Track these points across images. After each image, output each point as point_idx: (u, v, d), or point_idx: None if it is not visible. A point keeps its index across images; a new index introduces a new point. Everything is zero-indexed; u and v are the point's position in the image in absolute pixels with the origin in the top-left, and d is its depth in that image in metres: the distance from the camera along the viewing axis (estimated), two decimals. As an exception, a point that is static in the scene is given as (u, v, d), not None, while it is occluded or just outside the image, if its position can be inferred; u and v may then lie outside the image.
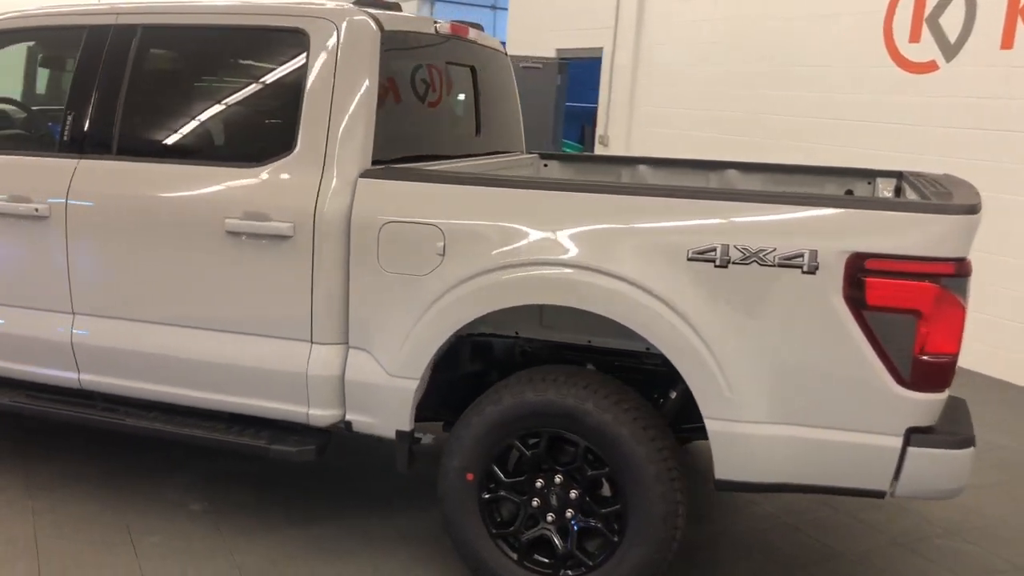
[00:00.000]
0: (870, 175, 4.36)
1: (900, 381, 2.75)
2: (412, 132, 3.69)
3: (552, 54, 11.80)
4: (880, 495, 2.87)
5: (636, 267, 2.91)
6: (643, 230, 2.94)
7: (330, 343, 3.30)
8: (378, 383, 3.25)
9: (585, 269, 2.95)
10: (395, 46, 3.48)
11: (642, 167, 4.76)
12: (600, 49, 10.91)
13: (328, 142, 3.26)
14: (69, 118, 3.60)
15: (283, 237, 3.25)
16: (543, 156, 4.93)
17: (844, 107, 7.56)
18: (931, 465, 2.82)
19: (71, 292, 3.60)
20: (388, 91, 3.45)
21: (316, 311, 3.27)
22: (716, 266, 2.84)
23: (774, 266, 2.79)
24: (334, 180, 3.23)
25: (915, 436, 2.79)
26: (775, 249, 2.79)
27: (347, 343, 3.30)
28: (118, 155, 3.54)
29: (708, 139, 9.12)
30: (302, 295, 3.27)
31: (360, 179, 3.22)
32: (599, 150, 11.09)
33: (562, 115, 11.99)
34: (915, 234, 2.71)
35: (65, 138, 3.61)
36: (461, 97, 4.16)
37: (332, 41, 3.30)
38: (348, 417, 3.34)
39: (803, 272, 2.77)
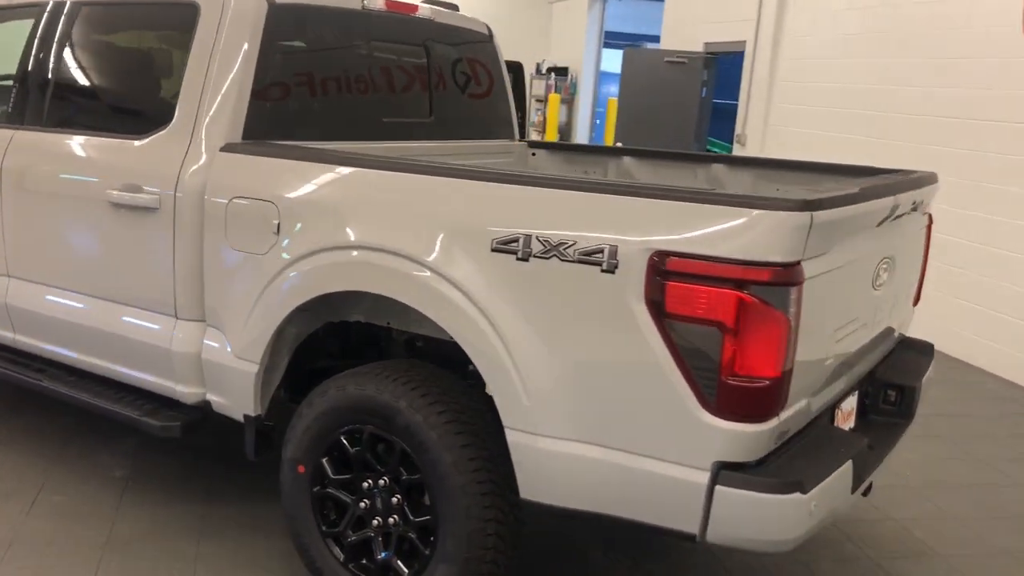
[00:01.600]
0: (869, 173, 3.76)
1: (706, 406, 2.31)
2: (315, 111, 3.57)
3: (700, 48, 11.24)
4: (690, 538, 2.43)
5: (442, 255, 2.64)
6: (450, 215, 2.67)
7: (191, 319, 3.25)
8: (226, 364, 3.16)
9: (392, 255, 2.72)
10: (291, 23, 3.38)
11: (627, 158, 4.39)
12: (743, 42, 10.25)
13: (198, 116, 3.21)
14: (9, 92, 3.80)
15: (151, 209, 3.23)
16: (532, 145, 4.65)
17: (990, 105, 6.62)
18: (744, 510, 2.34)
19: (4, 255, 3.79)
20: (281, 68, 3.36)
21: (178, 286, 3.24)
22: (518, 259, 2.52)
23: (573, 262, 2.43)
24: (198, 154, 3.18)
25: (724, 473, 2.34)
26: (575, 243, 2.43)
27: (205, 321, 3.24)
28: (27, 126, 3.69)
29: (844, 141, 8.28)
30: (168, 269, 3.25)
31: (218, 153, 3.15)
32: (736, 150, 10.43)
33: (708, 112, 11.41)
34: (724, 232, 2.27)
35: (6, 110, 3.81)
36: (401, 78, 3.97)
37: (218, 16, 3.25)
38: (207, 397, 3.28)
39: (602, 271, 2.39)
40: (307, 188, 2.94)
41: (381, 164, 2.89)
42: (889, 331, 3.34)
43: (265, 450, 3.24)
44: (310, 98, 3.54)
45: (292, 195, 2.95)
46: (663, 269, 2.30)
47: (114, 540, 3.42)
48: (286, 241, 2.95)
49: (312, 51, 3.56)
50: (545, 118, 15.87)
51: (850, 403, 3.12)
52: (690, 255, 2.28)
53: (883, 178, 3.17)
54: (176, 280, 3.23)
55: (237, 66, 3.20)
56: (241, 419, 3.20)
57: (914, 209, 3.27)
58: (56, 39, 3.69)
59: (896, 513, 4.07)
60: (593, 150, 4.58)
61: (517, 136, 4.64)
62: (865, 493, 3.30)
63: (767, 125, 9.74)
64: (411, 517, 2.84)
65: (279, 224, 2.96)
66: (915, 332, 3.72)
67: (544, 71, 16.27)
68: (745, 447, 2.34)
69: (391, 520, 2.90)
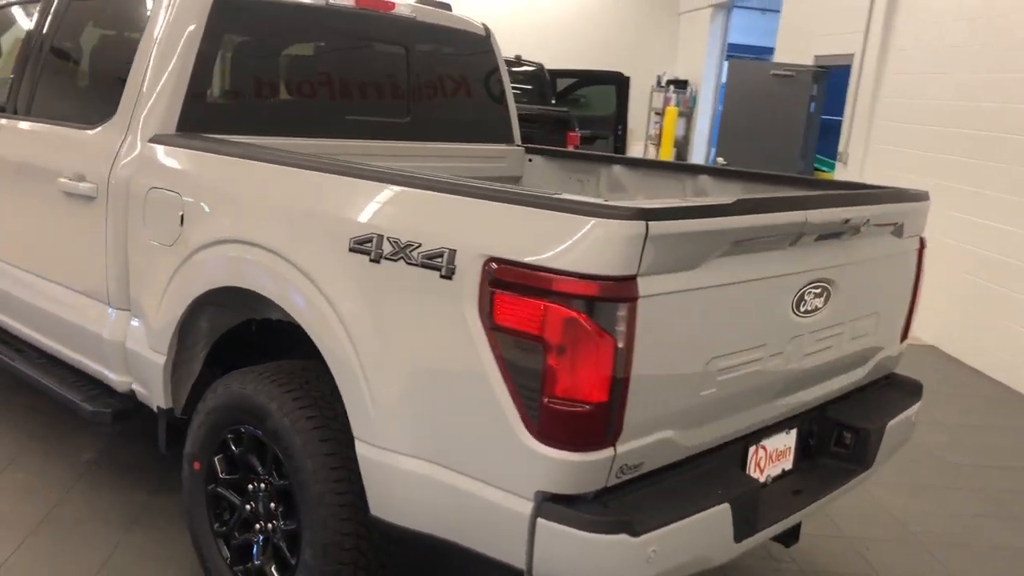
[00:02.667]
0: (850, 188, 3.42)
1: (530, 429, 2.11)
2: (264, 107, 3.54)
3: (810, 61, 10.68)
4: (517, 572, 2.22)
5: (307, 253, 2.54)
6: (318, 212, 2.57)
7: (120, 308, 3.28)
8: (142, 354, 3.17)
9: (262, 250, 2.65)
10: (239, 18, 3.38)
11: (616, 167, 4.16)
12: (851, 55, 9.66)
13: (136, 108, 3.24)
14: None
15: (90, 199, 3.29)
16: (530, 151, 4.48)
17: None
18: (567, 548, 2.11)
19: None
20: (225, 62, 3.36)
21: (109, 276, 3.27)
22: (370, 260, 2.39)
23: (417, 265, 2.28)
24: (133, 145, 3.21)
25: (546, 505, 2.12)
26: (420, 245, 2.28)
27: (130, 310, 3.26)
28: (3, 113, 3.86)
29: (951, 163, 7.60)
30: (102, 258, 3.29)
31: (146, 144, 3.17)
32: (838, 169, 9.84)
33: (815, 128, 10.82)
34: (553, 240, 2.07)
35: None
36: (372, 77, 3.89)
37: (166, 10, 3.28)
38: (132, 386, 3.30)
39: (441, 276, 2.23)
40: (202, 180, 2.93)
41: (262, 157, 2.83)
42: (850, 365, 3.00)
43: (177, 444, 3.22)
44: (258, 93, 3.52)
45: (191, 186, 2.93)
46: (494, 277, 2.12)
47: (50, 520, 3.49)
48: (187, 233, 2.92)
49: (263, 46, 3.55)
50: (661, 131, 15.53)
51: (782, 441, 2.82)
52: (517, 263, 2.09)
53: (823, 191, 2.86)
54: (107, 269, 3.27)
55: (175, 59, 3.22)
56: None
57: (894, 232, 2.94)
58: (31, 33, 3.84)
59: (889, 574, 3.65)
60: (592, 158, 4.37)
61: (516, 141, 4.48)
62: (788, 542, 2.99)
63: (869, 143, 9.12)
64: (281, 524, 2.75)
65: (182, 215, 2.94)
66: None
67: (663, 84, 15.92)
68: (570, 478, 2.11)
69: (270, 526, 2.82)
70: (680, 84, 15.80)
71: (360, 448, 2.44)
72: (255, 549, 2.85)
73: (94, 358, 3.41)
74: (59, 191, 3.41)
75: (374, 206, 2.44)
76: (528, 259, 2.08)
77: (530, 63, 11.14)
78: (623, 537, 2.08)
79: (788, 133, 10.72)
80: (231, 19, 3.35)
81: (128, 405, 3.40)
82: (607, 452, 2.12)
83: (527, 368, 2.08)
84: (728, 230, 2.23)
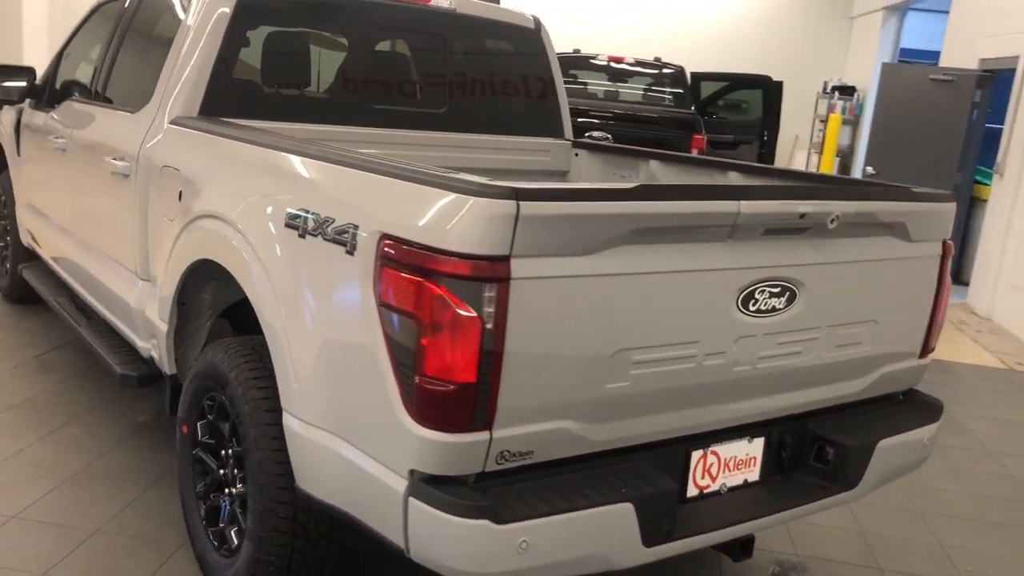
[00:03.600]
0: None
1: (407, 407, 2.10)
2: (286, 94, 3.69)
3: (974, 65, 9.90)
4: (400, 550, 2.21)
5: (255, 227, 2.65)
6: (269, 189, 2.67)
7: (144, 279, 3.52)
8: (154, 322, 3.38)
9: (222, 222, 2.78)
10: (269, 8, 3.55)
11: (655, 162, 4.03)
12: (1016, 58, 8.88)
13: (166, 92, 3.47)
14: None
15: (125, 176, 3.55)
16: (577, 145, 4.42)
17: None
18: (435, 529, 2.08)
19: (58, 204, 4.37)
20: (248, 51, 3.53)
21: (135, 248, 3.52)
22: (298, 235, 2.46)
23: (330, 240, 2.33)
24: (159, 127, 3.43)
25: (417, 484, 2.10)
26: (334, 220, 2.33)
27: (151, 281, 3.49)
28: (83, 99, 4.22)
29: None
30: (131, 231, 3.54)
31: (168, 126, 3.38)
32: (994, 182, 9.06)
33: (978, 138, 10.03)
34: (432, 216, 2.06)
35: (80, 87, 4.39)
36: (404, 68, 3.96)
37: (198, 2, 3.50)
38: (151, 353, 3.52)
39: (346, 252, 2.27)
40: (194, 157, 3.09)
41: (235, 136, 2.97)
42: (837, 376, 2.78)
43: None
44: (285, 81, 3.68)
45: (187, 164, 3.11)
46: (384, 253, 2.14)
47: (84, 473, 3.77)
48: (183, 207, 3.10)
49: (290, 35, 3.69)
50: (824, 139, 14.81)
51: (743, 450, 2.65)
52: (402, 240, 2.09)
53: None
54: (134, 242, 3.51)
55: (201, 45, 3.42)
56: None
57: (895, 234, 2.73)
58: (110, 32, 4.19)
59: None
60: (638, 154, 4.23)
61: (565, 134, 4.43)
62: (737, 556, 2.81)
63: (1028, 154, 8.36)
64: (237, 489, 2.86)
65: (180, 191, 3.11)
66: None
67: (829, 90, 15.19)
68: (441, 459, 2.08)
69: (232, 491, 2.94)
70: (846, 91, 15.02)
71: (285, 419, 2.51)
72: (222, 512, 2.98)
73: (127, 325, 3.67)
74: (107, 169, 3.69)
75: (304, 182, 2.51)
76: (410, 236, 2.07)
77: (671, 65, 10.95)
78: (485, 523, 2.04)
79: (946, 143, 9.96)
80: (259, 9, 3.51)
81: (154, 370, 3.63)
82: (481, 436, 2.08)
83: (404, 346, 2.08)
84: (625, 216, 2.13)
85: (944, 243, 2.95)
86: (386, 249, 2.12)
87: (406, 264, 2.06)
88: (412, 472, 2.11)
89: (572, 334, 2.15)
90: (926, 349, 3.04)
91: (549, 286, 2.06)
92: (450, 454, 2.08)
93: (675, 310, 2.31)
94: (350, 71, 3.85)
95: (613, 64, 10.83)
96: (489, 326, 2.00)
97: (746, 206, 2.30)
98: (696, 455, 2.54)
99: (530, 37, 4.27)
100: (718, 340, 2.41)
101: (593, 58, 10.83)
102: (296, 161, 2.60)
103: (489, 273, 1.98)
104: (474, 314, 1.98)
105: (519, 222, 1.97)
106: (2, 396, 4.44)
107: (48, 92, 4.68)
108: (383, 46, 4.00)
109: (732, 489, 2.65)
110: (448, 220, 2.00)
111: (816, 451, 2.78)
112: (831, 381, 2.79)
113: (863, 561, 3.64)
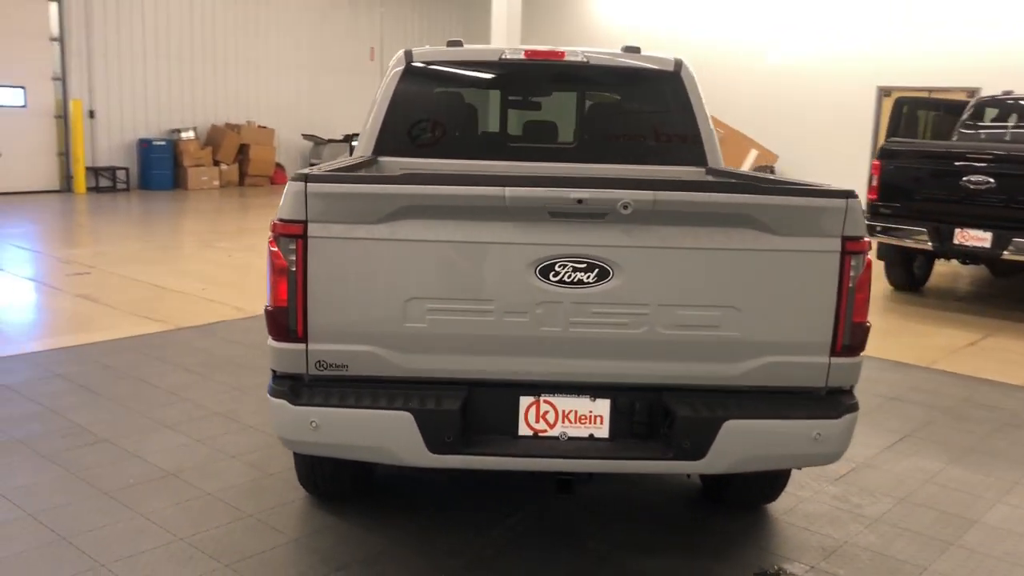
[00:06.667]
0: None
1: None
2: (436, 136, 4.83)
3: None
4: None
5: None
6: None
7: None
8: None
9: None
10: (423, 75, 4.79)
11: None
12: None
13: (362, 137, 4.89)
14: None
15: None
16: (710, 172, 4.78)
17: None
18: (271, 406, 3.08)
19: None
20: (410, 105, 4.80)
21: None
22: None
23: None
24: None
25: (274, 377, 3.12)
26: None
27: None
28: None
29: None
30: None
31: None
32: None
33: None
34: (284, 198, 3.05)
35: None
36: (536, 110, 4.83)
37: (386, 74, 4.90)
38: None
39: None
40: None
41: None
42: (695, 356, 3.06)
43: None
44: (436, 126, 4.85)
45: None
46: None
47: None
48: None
49: (441, 92, 4.85)
50: None
51: (585, 406, 3.12)
52: (279, 218, 3.15)
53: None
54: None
55: (377, 103, 4.79)
56: None
57: (756, 227, 2.97)
58: None
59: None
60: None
61: (710, 163, 4.84)
62: (563, 488, 3.20)
63: None
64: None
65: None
66: None
67: None
68: (277, 360, 3.08)
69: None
70: None
71: None
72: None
73: None
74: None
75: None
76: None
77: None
78: (283, 402, 3.00)
79: None
80: (417, 77, 4.78)
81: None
82: (299, 345, 3.03)
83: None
84: (393, 195, 2.91)
85: (845, 240, 3.00)
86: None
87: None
88: (272, 370, 3.14)
89: (366, 280, 2.98)
90: (841, 348, 3.07)
91: (340, 244, 2.95)
92: (280, 356, 3.07)
93: (464, 272, 2.99)
94: (492, 115, 4.89)
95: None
96: (293, 269, 2.97)
97: (511, 191, 2.89)
98: (526, 400, 3.10)
99: (669, 78, 4.82)
100: (515, 301, 2.98)
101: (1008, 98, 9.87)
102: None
103: (293, 232, 2.96)
104: (283, 260, 2.97)
105: (308, 197, 2.92)
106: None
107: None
108: (521, 95, 4.94)
109: (574, 439, 3.12)
110: (283, 199, 3.02)
111: (668, 422, 3.07)
112: (688, 359, 3.06)
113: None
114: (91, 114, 16.33)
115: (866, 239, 3.04)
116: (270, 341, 3.08)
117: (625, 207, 2.88)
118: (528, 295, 2.98)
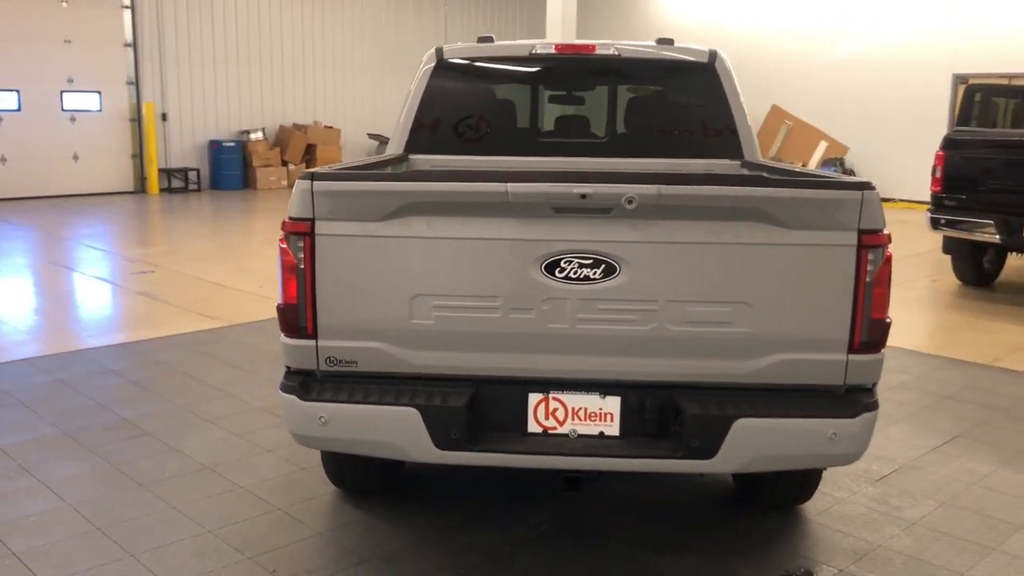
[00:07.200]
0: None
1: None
2: (466, 133, 4.82)
3: None
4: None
5: None
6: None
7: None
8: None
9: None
10: (454, 73, 4.79)
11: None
12: None
13: (395, 136, 4.91)
14: None
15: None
16: (744, 165, 4.67)
17: None
18: (284, 401, 3.12)
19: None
20: (441, 103, 4.80)
21: None
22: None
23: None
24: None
25: (286, 372, 3.16)
26: None
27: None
28: None
29: None
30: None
31: None
32: None
33: None
34: (292, 197, 3.09)
35: None
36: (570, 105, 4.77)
37: (418, 71, 4.92)
38: None
39: None
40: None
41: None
42: (708, 353, 3.00)
43: None
44: (466, 123, 4.84)
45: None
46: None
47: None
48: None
49: (471, 89, 4.84)
50: None
51: (594, 403, 3.09)
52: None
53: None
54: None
55: (409, 102, 4.81)
56: None
57: (765, 220, 2.88)
58: None
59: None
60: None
61: (746, 156, 4.73)
62: (571, 486, 3.16)
63: None
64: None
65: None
66: None
67: None
68: (289, 356, 3.11)
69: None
70: None
71: None
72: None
73: None
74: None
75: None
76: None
77: None
78: (293, 398, 3.04)
79: None
80: (448, 75, 4.78)
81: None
82: (309, 342, 3.06)
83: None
84: (397, 192, 2.91)
85: (861, 233, 2.90)
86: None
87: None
88: (286, 366, 3.18)
89: (372, 278, 3.00)
90: (860, 344, 2.97)
91: (347, 241, 2.97)
92: (292, 352, 3.10)
93: (469, 269, 2.97)
94: (522, 111, 4.86)
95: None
96: (302, 267, 3.00)
97: (513, 187, 2.86)
98: (535, 397, 3.08)
99: (703, 69, 4.72)
100: (521, 298, 2.96)
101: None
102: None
103: (301, 230, 2.99)
104: (292, 258, 3.01)
105: (315, 195, 2.95)
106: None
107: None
108: (553, 88, 4.89)
109: (584, 436, 3.08)
110: (291, 197, 3.05)
111: (678, 420, 3.02)
112: (698, 356, 3.00)
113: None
114: (163, 117, 16.81)
115: (885, 232, 2.93)
116: (282, 338, 3.12)
117: (630, 201, 2.84)
118: (534, 291, 2.96)
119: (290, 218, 3.00)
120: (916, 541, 3.77)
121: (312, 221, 2.98)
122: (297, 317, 3.05)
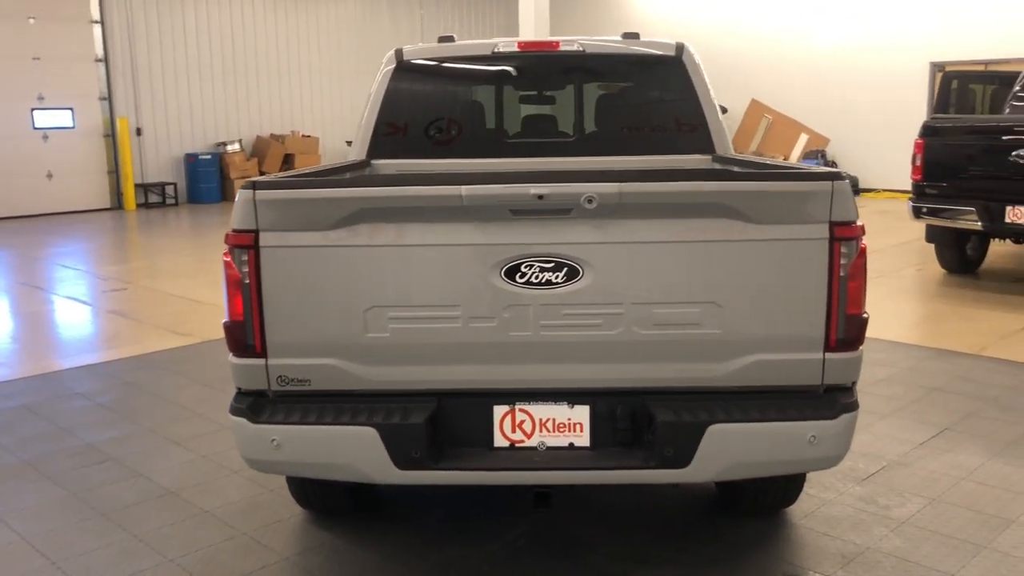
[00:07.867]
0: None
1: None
2: (429, 137, 4.67)
3: None
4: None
5: None
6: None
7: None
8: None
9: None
10: (414, 75, 4.64)
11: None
12: None
13: (355, 140, 4.76)
14: None
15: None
16: (716, 159, 4.53)
17: None
18: (232, 423, 2.96)
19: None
20: (402, 107, 4.65)
21: None
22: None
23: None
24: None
25: (236, 394, 3.00)
26: None
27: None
28: None
29: None
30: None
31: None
32: None
33: None
34: (235, 205, 2.93)
35: None
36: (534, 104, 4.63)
37: (378, 73, 4.76)
38: None
39: None
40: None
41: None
42: (676, 356, 2.85)
43: None
44: (430, 127, 4.70)
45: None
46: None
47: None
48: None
49: (433, 91, 4.70)
50: None
51: (563, 414, 2.94)
52: (234, 228, 3.01)
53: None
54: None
55: (369, 107, 4.66)
56: None
57: (731, 215, 2.75)
58: None
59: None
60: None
61: (717, 151, 4.59)
62: (541, 502, 3.02)
63: None
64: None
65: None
66: None
67: None
68: (238, 376, 2.95)
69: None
70: None
71: None
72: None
73: None
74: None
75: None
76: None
77: None
78: (243, 421, 2.87)
79: None
80: (408, 77, 4.63)
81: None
82: (259, 360, 2.90)
83: (234, 294, 3.00)
84: (346, 199, 2.75)
85: (833, 225, 2.77)
86: (230, 234, 3.05)
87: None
88: (236, 387, 3.02)
89: (323, 290, 2.84)
90: (836, 342, 2.84)
91: (294, 253, 2.81)
92: (240, 372, 2.94)
93: (426, 277, 2.82)
94: (487, 112, 4.71)
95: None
96: (247, 281, 2.84)
97: (467, 190, 2.71)
98: (501, 409, 2.93)
99: (670, 63, 4.59)
100: (481, 306, 2.81)
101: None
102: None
103: (245, 242, 2.83)
104: (235, 271, 2.84)
105: (258, 205, 2.79)
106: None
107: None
108: (517, 87, 4.75)
109: (553, 448, 2.93)
110: (234, 208, 2.89)
111: (651, 428, 2.87)
112: (668, 360, 2.86)
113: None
114: (138, 131, 16.59)
115: (858, 223, 2.80)
116: (230, 357, 2.96)
117: (590, 201, 2.70)
118: (494, 298, 2.81)
119: (233, 230, 2.84)
120: (906, 541, 3.64)
121: (256, 233, 2.82)
122: (244, 335, 2.89)
